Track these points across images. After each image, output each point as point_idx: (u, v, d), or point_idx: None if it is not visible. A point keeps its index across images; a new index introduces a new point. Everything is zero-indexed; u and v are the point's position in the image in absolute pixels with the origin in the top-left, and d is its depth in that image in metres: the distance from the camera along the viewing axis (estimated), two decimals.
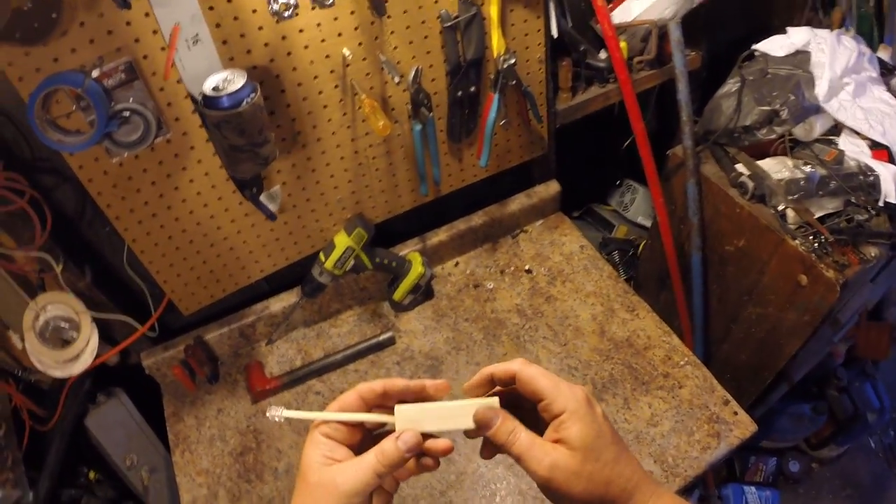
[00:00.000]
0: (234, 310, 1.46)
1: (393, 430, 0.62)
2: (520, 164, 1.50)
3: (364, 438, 0.64)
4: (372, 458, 0.59)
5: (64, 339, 1.24)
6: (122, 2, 0.84)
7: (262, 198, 1.21)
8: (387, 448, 0.59)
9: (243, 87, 0.96)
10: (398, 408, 0.62)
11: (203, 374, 1.43)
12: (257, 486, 1.30)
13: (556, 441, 0.58)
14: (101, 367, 1.36)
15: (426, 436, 0.62)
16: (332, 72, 1.14)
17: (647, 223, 1.58)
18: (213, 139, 1.04)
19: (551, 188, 1.58)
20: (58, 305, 1.21)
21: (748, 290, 1.37)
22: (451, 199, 1.48)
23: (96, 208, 1.12)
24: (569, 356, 1.37)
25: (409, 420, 0.62)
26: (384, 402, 0.63)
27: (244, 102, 0.96)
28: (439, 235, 1.52)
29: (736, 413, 1.25)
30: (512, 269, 1.54)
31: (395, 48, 1.16)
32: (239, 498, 1.28)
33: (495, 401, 0.62)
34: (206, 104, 0.96)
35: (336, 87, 1.16)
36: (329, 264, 1.33)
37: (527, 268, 1.53)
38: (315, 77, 1.13)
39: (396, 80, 1.14)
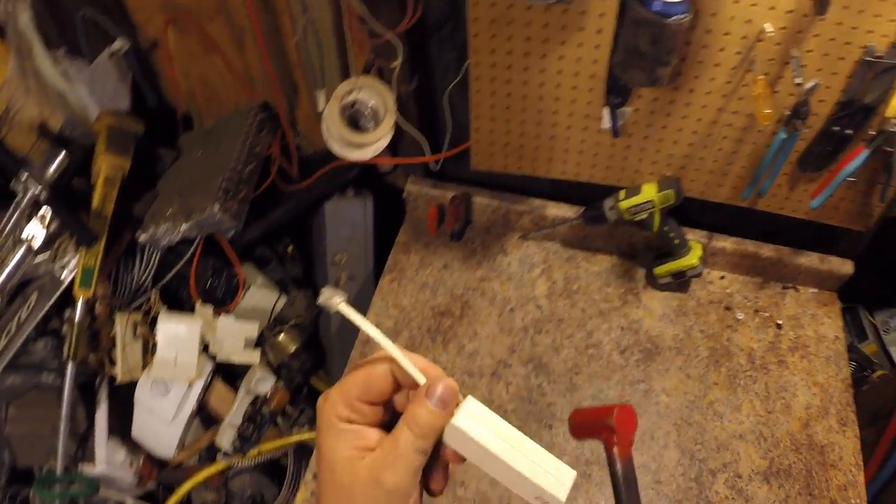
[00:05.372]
0: (512, 192, 1.49)
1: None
2: (835, 226, 1.42)
3: (387, 420, 0.54)
4: (409, 436, 0.49)
5: (360, 124, 1.29)
6: None
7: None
8: (418, 413, 0.49)
9: (684, 1, 0.96)
10: (470, 398, 0.52)
11: (451, 228, 1.49)
12: (438, 349, 1.36)
13: None
14: (369, 168, 1.44)
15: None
16: (743, 38, 1.12)
17: None
18: (622, 33, 1.05)
19: (845, 267, 1.48)
20: (373, 94, 1.23)
21: None
22: (756, 216, 1.43)
23: (456, 30, 1.15)
24: (766, 424, 1.31)
25: (473, 416, 0.51)
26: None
27: (675, 17, 0.96)
28: (726, 243, 1.48)
29: None
30: (766, 314, 1.48)
31: (809, 52, 1.13)
32: (415, 348, 1.35)
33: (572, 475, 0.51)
34: None
35: (738, 53, 1.14)
36: (624, 205, 1.32)
37: (779, 322, 1.47)
38: (726, 33, 1.11)
39: (797, 80, 1.10)
